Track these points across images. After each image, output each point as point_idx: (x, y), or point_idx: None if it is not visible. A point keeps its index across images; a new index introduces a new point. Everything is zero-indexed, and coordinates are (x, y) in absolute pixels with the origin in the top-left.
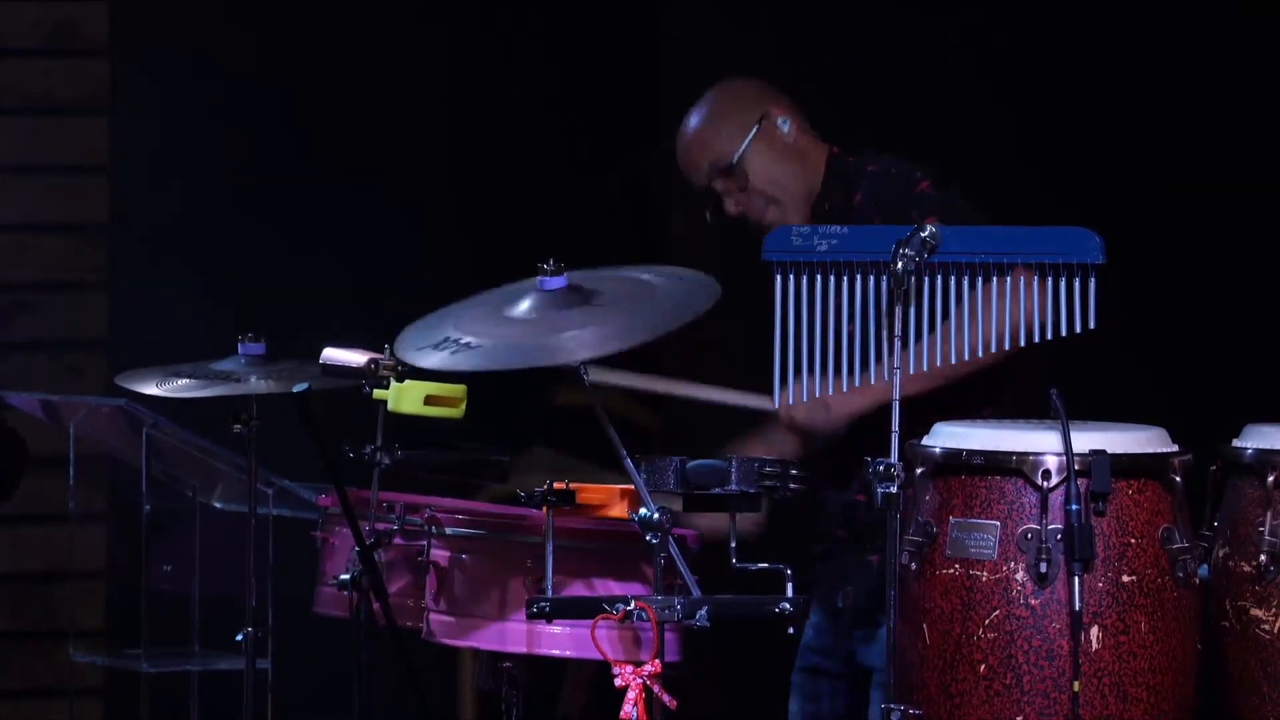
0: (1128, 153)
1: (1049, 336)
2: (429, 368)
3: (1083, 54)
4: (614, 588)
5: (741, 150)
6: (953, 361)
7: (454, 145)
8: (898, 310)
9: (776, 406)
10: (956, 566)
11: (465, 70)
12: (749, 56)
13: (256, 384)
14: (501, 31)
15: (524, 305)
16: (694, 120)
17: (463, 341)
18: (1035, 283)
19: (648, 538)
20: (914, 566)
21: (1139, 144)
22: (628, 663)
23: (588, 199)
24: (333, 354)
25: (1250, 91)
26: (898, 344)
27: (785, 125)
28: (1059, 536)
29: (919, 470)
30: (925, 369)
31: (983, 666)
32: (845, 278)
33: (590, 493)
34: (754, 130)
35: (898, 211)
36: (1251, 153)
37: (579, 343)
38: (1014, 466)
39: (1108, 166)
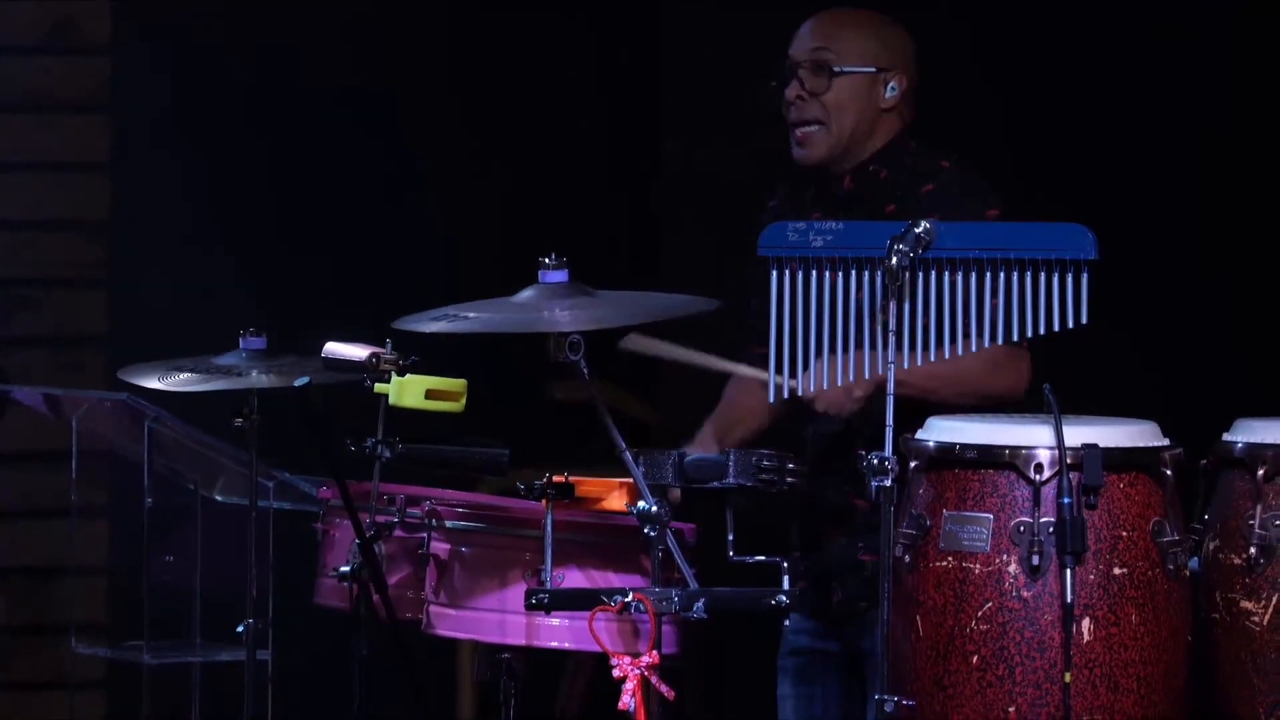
0: (1123, 148)
1: (1041, 331)
2: (429, 332)
3: (1077, 48)
4: (613, 580)
5: (843, 71)
6: (946, 356)
7: (456, 142)
8: (892, 305)
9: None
10: (949, 559)
11: (467, 67)
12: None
13: (258, 378)
14: (502, 29)
15: (525, 294)
16: (831, 11)
17: (461, 315)
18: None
19: (646, 530)
20: (907, 559)
21: (1134, 139)
22: (626, 654)
23: (590, 198)
24: (334, 348)
25: (1248, 89)
26: (892, 339)
27: (891, 91)
28: (1051, 529)
29: (912, 464)
30: (920, 363)
31: (975, 658)
32: (840, 273)
33: (589, 486)
34: (868, 69)
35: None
36: (1245, 148)
37: (574, 317)
38: (1007, 460)
39: (1102, 162)
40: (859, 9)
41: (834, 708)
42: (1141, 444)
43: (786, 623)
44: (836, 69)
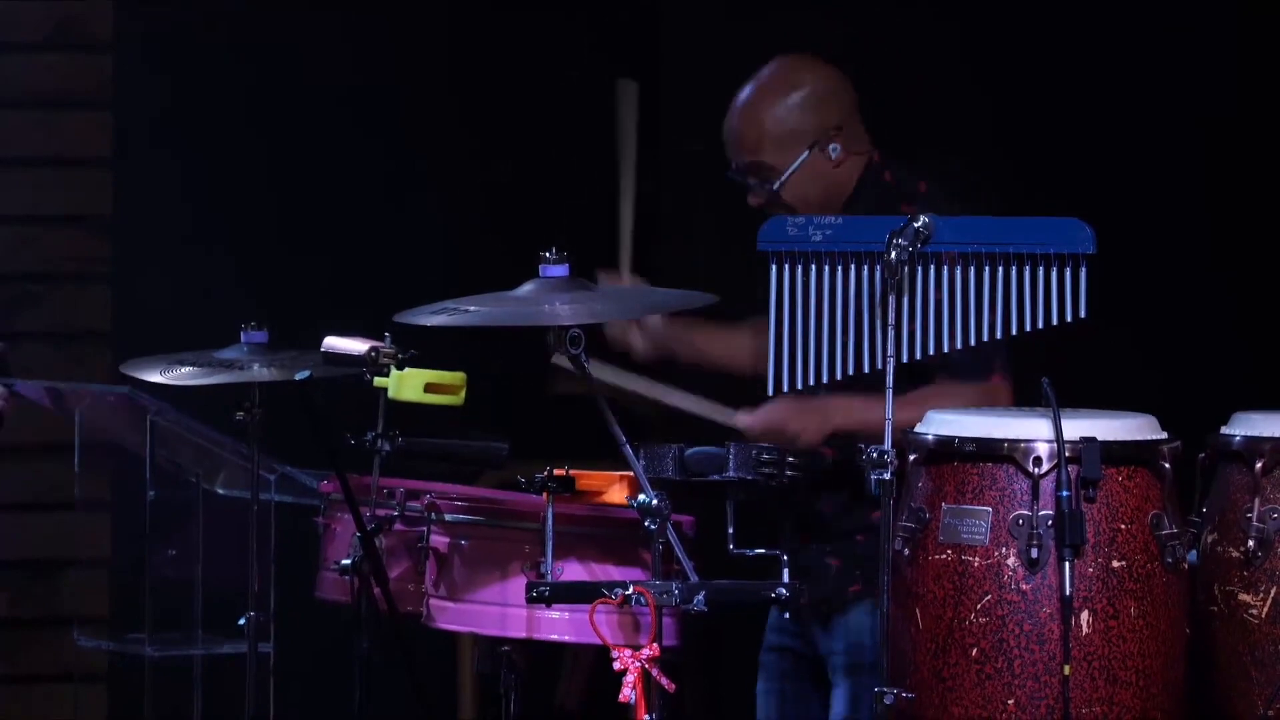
0: (1121, 141)
1: (1040, 326)
2: (429, 326)
3: (1074, 42)
4: (613, 573)
5: (784, 177)
6: (945, 350)
7: (456, 137)
8: (891, 299)
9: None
10: (949, 552)
11: (467, 65)
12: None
13: (259, 372)
14: (505, 25)
15: (525, 288)
16: (749, 114)
17: (461, 309)
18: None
19: (646, 523)
20: (907, 552)
21: (1132, 132)
22: (626, 647)
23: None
24: (334, 342)
25: (1249, 80)
26: (891, 333)
27: (835, 151)
28: (1050, 522)
29: (912, 457)
30: (919, 357)
31: (974, 650)
32: (840, 267)
33: (589, 479)
34: (804, 156)
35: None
36: (1244, 143)
37: (574, 311)
38: (1006, 453)
39: (1100, 156)
40: (767, 88)
41: (801, 706)
42: (1140, 437)
43: (786, 615)
44: (775, 184)
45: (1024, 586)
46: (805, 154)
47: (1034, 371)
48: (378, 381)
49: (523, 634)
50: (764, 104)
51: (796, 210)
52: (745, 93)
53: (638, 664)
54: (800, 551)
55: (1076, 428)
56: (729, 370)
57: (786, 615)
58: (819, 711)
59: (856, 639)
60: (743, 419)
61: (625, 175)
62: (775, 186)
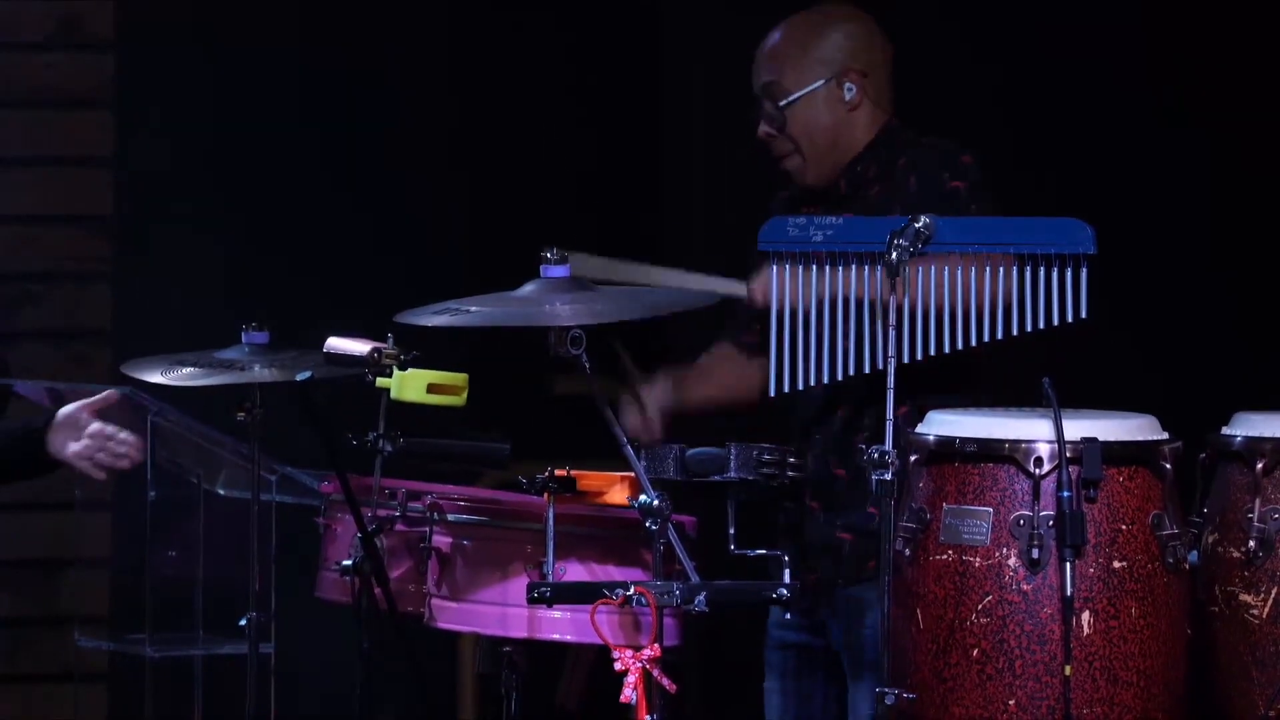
0: (1120, 142)
1: (1041, 326)
2: (431, 326)
3: (1074, 41)
4: (614, 573)
5: (794, 96)
6: (945, 350)
7: (459, 138)
8: (892, 300)
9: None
10: (950, 552)
11: (469, 63)
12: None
13: (260, 372)
14: (505, 25)
15: (526, 289)
16: (778, 35)
17: (463, 309)
18: (1014, 271)
19: (647, 524)
20: (908, 552)
21: (1132, 133)
22: (627, 647)
23: (591, 193)
24: (336, 342)
25: (1245, 83)
26: (891, 333)
27: (851, 92)
28: (1051, 523)
29: (913, 457)
30: (919, 357)
31: (975, 651)
32: (840, 267)
33: (591, 479)
34: (817, 85)
35: (933, 173)
36: (1244, 142)
37: (575, 312)
38: (1007, 454)
39: (1101, 156)
40: (805, 16)
41: (816, 703)
42: (1141, 438)
43: (787, 616)
44: (784, 102)
45: (1025, 587)
46: (820, 82)
47: (1034, 371)
48: (380, 382)
49: (524, 634)
50: (798, 27)
51: (800, 147)
52: (786, 21)
53: (639, 664)
54: (809, 521)
55: (1077, 428)
56: (734, 401)
57: (788, 616)
58: (835, 708)
59: (873, 633)
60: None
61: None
62: (783, 104)
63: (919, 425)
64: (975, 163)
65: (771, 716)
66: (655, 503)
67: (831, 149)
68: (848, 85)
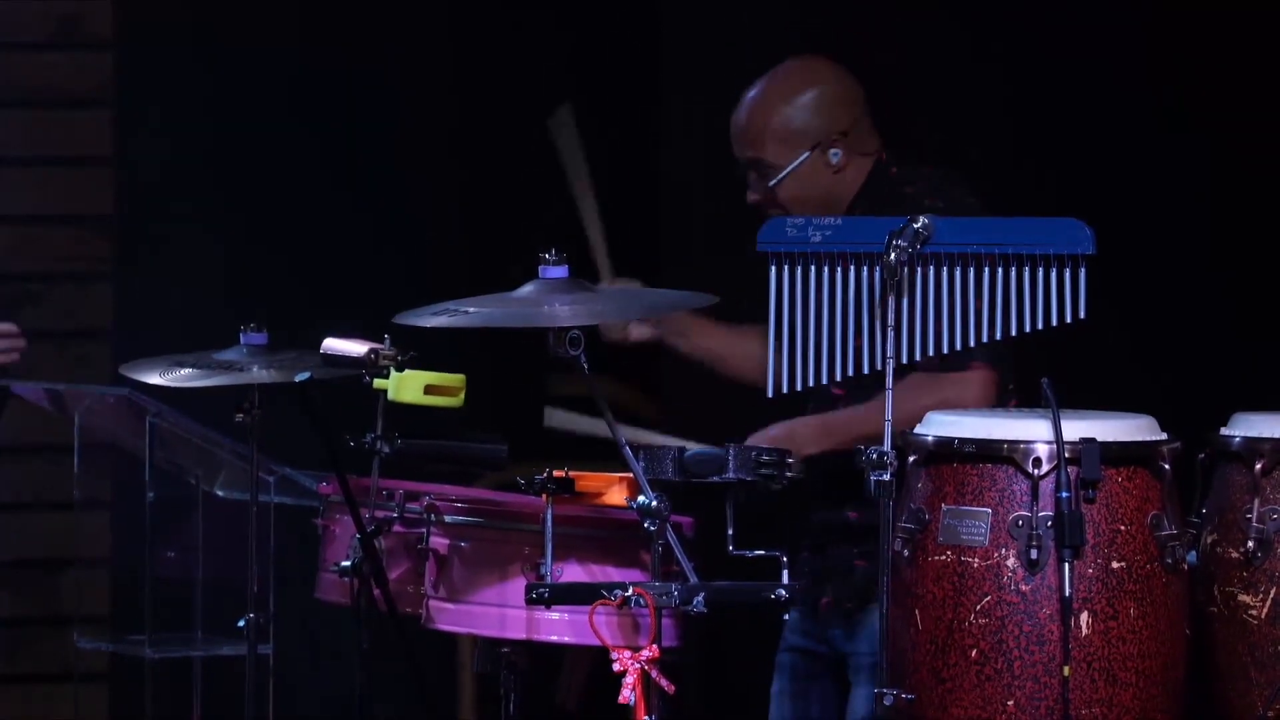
0: (1120, 142)
1: (1040, 326)
2: (428, 327)
3: (1073, 41)
4: (612, 574)
5: (781, 176)
6: (945, 352)
7: (459, 138)
8: (891, 300)
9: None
10: (948, 553)
11: (470, 63)
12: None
13: (258, 373)
14: (505, 25)
15: (525, 290)
16: (752, 113)
17: (461, 310)
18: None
19: (646, 525)
20: (906, 553)
21: (1132, 133)
22: (626, 648)
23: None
24: (333, 344)
25: (1245, 84)
26: (890, 333)
27: (835, 157)
28: (1049, 523)
29: (911, 458)
30: (919, 357)
31: (974, 651)
32: (839, 268)
33: (589, 480)
34: (804, 157)
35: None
36: (1245, 142)
37: (574, 312)
38: (1005, 454)
39: (1099, 155)
40: (773, 88)
41: (820, 708)
42: (1139, 438)
43: (786, 617)
44: (772, 183)
45: (1024, 587)
46: (805, 155)
47: (1034, 371)
48: (377, 383)
49: (522, 635)
50: (771, 101)
51: (791, 212)
52: (755, 89)
53: (637, 665)
54: (828, 552)
55: (1076, 428)
56: (727, 370)
57: (786, 617)
58: (839, 713)
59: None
60: None
61: (583, 197)
62: (772, 184)
63: (917, 426)
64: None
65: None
66: (653, 504)
67: (824, 208)
68: (832, 152)
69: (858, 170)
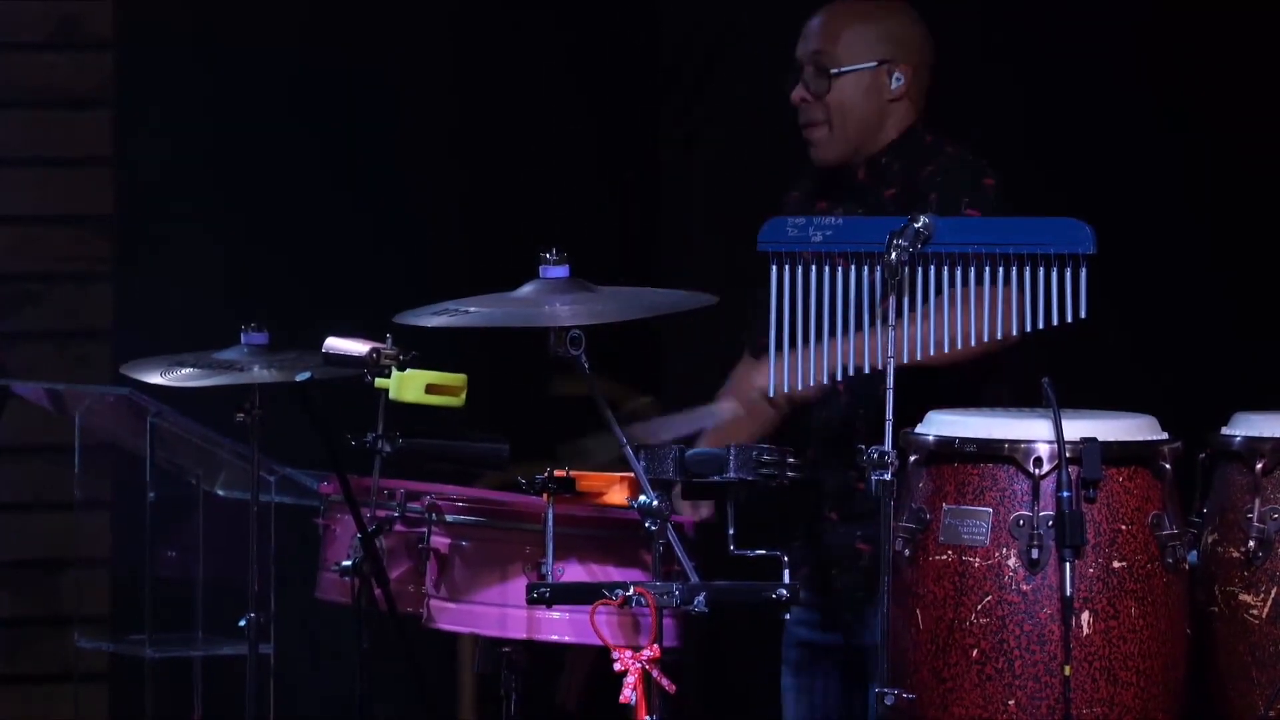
0: (1120, 142)
1: (1040, 326)
2: (430, 327)
3: (1077, 42)
4: (613, 574)
5: (845, 69)
6: (945, 350)
7: (459, 138)
8: (891, 300)
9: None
10: (949, 553)
11: (470, 63)
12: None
13: (259, 373)
14: (505, 25)
15: (526, 289)
16: (840, 5)
17: (462, 310)
18: (1014, 301)
19: (647, 524)
20: (907, 553)
21: (1132, 133)
22: (627, 648)
23: (593, 197)
24: (335, 343)
25: (1245, 84)
26: (890, 333)
27: (897, 82)
28: (1050, 523)
29: (912, 458)
30: (919, 356)
31: (975, 651)
32: (840, 268)
33: (590, 480)
34: (869, 65)
35: (953, 196)
36: (1245, 142)
37: (575, 312)
38: (1006, 454)
39: (1101, 155)
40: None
41: (834, 701)
42: (1140, 438)
43: (787, 616)
44: (835, 70)
45: (1024, 587)
46: (873, 63)
47: (1034, 371)
48: (379, 382)
49: (523, 635)
50: (859, 9)
51: (832, 119)
52: (828, 5)
53: (638, 665)
54: (829, 531)
55: (1077, 428)
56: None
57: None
58: (859, 709)
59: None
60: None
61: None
62: (834, 72)
63: (918, 425)
64: (997, 184)
65: (788, 714)
66: (654, 503)
67: (860, 131)
68: (896, 75)
69: (902, 115)
